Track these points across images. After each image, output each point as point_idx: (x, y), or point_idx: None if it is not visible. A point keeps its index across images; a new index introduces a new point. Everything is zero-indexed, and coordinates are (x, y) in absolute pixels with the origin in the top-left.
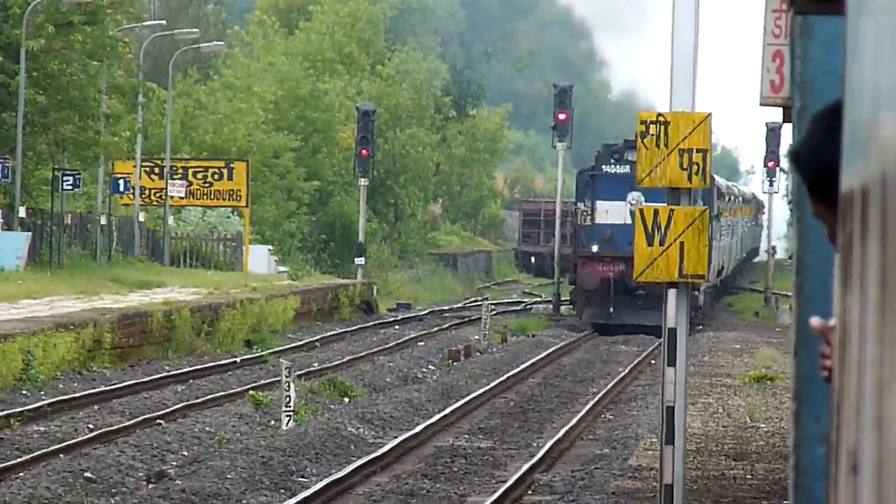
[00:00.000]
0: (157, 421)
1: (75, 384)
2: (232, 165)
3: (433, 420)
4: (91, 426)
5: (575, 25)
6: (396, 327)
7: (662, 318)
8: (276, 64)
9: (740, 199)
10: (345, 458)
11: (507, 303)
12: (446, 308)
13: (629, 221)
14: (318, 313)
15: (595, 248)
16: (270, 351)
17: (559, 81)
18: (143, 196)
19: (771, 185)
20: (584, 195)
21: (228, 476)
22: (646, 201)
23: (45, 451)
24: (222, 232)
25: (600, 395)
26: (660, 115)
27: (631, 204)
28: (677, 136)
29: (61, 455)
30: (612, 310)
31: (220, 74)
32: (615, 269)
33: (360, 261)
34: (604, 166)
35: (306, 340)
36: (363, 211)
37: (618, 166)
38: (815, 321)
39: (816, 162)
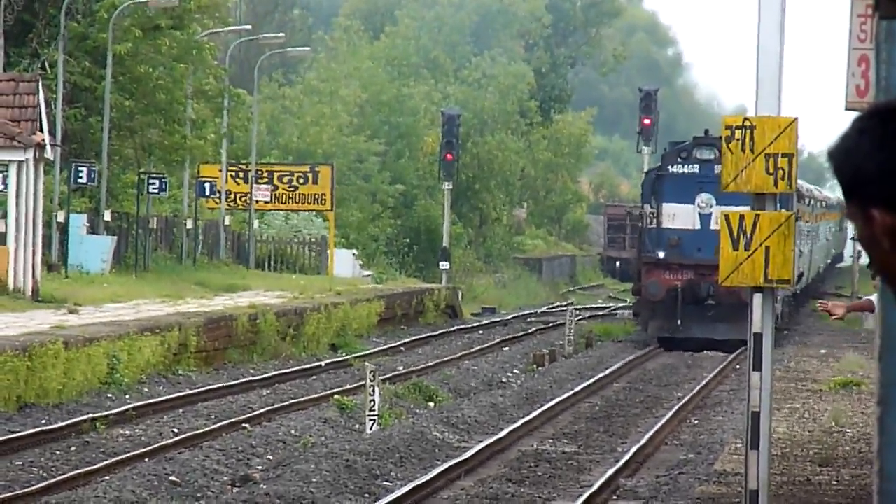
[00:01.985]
0: (243, 425)
1: (160, 388)
2: (317, 169)
3: (518, 424)
4: (176, 430)
5: (660, 30)
6: (481, 332)
7: (748, 326)
8: (360, 68)
9: (823, 203)
10: (429, 462)
11: (592, 308)
12: (531, 313)
13: (698, 226)
14: (402, 318)
15: (661, 255)
16: (355, 355)
17: (644, 86)
18: (229, 200)
19: None
20: (650, 197)
21: (313, 480)
22: (717, 204)
23: (130, 454)
24: (306, 235)
25: (685, 399)
26: (745, 119)
27: (700, 207)
28: (763, 140)
29: (146, 459)
30: (679, 322)
31: (306, 79)
32: (683, 278)
33: (444, 265)
34: (670, 166)
35: (391, 345)
36: (448, 215)
37: (685, 166)
38: None
39: (847, 163)
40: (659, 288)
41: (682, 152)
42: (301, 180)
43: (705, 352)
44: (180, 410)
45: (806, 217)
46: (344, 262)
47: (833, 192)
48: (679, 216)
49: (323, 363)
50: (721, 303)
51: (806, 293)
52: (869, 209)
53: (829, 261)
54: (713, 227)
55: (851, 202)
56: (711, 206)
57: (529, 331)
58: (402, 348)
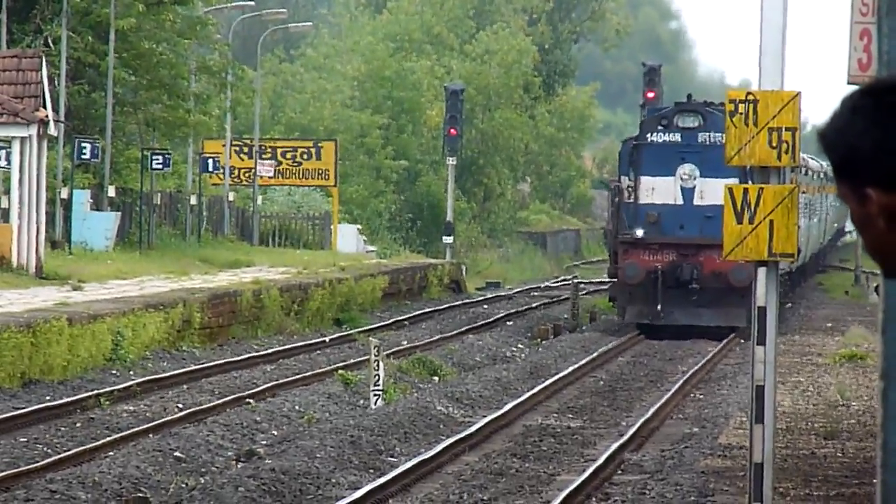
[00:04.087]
0: (247, 400)
1: (165, 364)
2: (320, 145)
3: (522, 399)
4: (180, 405)
5: (664, 4)
6: (485, 306)
7: (753, 299)
8: (362, 43)
9: (823, 174)
10: (434, 437)
11: (597, 282)
12: (535, 287)
13: (680, 201)
14: (406, 292)
15: (639, 233)
16: (359, 330)
17: (648, 60)
18: (233, 176)
19: None
20: (628, 169)
21: (318, 455)
22: (701, 176)
23: (134, 430)
24: (309, 210)
25: (689, 373)
26: (749, 93)
27: (682, 179)
28: (766, 114)
29: (151, 434)
30: (659, 308)
31: (306, 54)
32: (664, 259)
33: (448, 240)
34: (649, 134)
35: (395, 319)
36: (451, 190)
37: (667, 134)
38: None
39: (840, 143)
40: (637, 270)
41: (663, 119)
42: (305, 156)
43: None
44: (184, 386)
45: (803, 188)
46: (348, 238)
47: None
48: (659, 190)
49: (327, 338)
50: (706, 286)
51: (803, 271)
52: (863, 189)
53: (829, 237)
54: (697, 202)
55: (843, 182)
56: (695, 179)
57: (533, 305)
58: (407, 323)
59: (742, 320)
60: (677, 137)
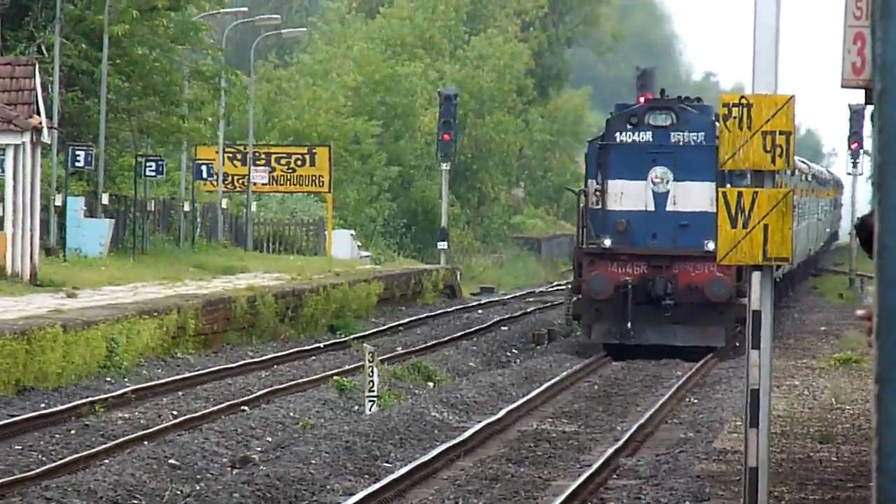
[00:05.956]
0: (241, 407)
1: (159, 371)
2: (314, 151)
3: (517, 404)
4: (175, 412)
5: (657, 8)
6: (480, 311)
7: (748, 306)
8: (354, 49)
9: (812, 177)
10: (429, 442)
11: None
12: (530, 292)
13: (652, 207)
14: (401, 298)
15: (607, 243)
16: (354, 336)
17: (642, 64)
18: (226, 182)
19: (854, 166)
20: (595, 172)
21: (312, 461)
22: (674, 179)
23: (129, 437)
24: (303, 216)
25: (684, 378)
26: (742, 97)
27: (654, 183)
28: (760, 118)
29: (145, 442)
30: (629, 326)
31: (300, 60)
32: (634, 272)
33: (443, 245)
34: (617, 134)
35: (390, 325)
36: (445, 195)
37: (636, 133)
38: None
39: None
40: (604, 284)
41: (632, 117)
42: (298, 162)
43: (664, 360)
44: (179, 393)
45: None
46: (342, 244)
47: (831, 167)
48: (628, 195)
49: (322, 344)
50: (680, 302)
51: (791, 280)
52: None
53: (821, 243)
54: (670, 208)
55: None
56: (668, 183)
57: (528, 310)
58: (401, 329)
59: (720, 339)
60: (648, 137)
